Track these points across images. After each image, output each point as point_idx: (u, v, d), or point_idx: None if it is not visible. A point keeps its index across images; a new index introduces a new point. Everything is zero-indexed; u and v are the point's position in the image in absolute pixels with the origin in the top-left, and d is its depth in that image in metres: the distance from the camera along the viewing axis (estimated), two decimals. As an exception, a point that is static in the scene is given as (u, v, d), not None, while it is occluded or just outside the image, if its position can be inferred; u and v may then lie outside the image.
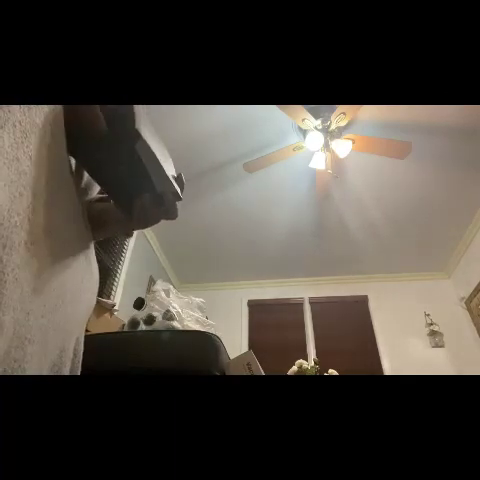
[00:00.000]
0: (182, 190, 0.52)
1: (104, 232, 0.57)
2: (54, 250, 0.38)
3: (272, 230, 3.65)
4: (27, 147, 0.34)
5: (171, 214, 0.52)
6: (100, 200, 0.57)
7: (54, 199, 0.38)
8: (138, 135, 0.40)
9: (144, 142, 0.41)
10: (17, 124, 0.33)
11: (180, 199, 0.51)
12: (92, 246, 0.51)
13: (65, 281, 0.41)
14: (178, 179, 0.51)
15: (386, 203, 3.27)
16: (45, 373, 0.39)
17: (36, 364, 0.36)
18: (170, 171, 0.50)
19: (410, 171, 2.91)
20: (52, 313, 0.38)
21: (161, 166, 0.45)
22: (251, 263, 4.18)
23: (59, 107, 0.41)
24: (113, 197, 0.49)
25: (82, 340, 0.50)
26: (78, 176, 0.49)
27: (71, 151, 0.44)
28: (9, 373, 0.33)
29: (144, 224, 0.54)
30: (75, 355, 0.48)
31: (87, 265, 0.48)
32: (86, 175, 0.49)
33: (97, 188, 0.54)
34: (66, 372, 0.44)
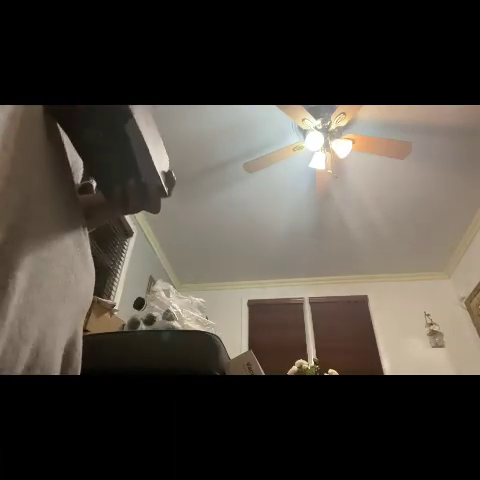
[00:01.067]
0: (171, 188, 0.52)
1: (90, 223, 0.56)
2: (37, 242, 0.38)
3: (272, 230, 3.65)
4: None
5: (153, 207, 0.52)
6: (82, 189, 0.57)
7: (35, 187, 0.38)
8: (130, 114, 0.40)
9: (135, 124, 0.41)
10: None
11: (165, 196, 0.51)
12: (85, 237, 0.51)
13: (50, 273, 0.40)
14: (168, 175, 0.51)
15: (386, 203, 3.27)
16: (25, 368, 0.38)
17: (12, 358, 0.35)
18: (162, 165, 0.49)
19: (410, 171, 2.91)
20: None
21: (149, 155, 0.44)
22: (251, 263, 4.18)
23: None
24: (96, 178, 0.49)
25: (80, 333, 0.50)
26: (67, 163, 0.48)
27: (63, 126, 0.43)
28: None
29: (124, 210, 0.53)
30: (73, 348, 0.48)
31: (80, 256, 0.47)
32: (72, 161, 0.49)
33: (80, 174, 0.54)
34: (57, 369, 0.43)
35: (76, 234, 0.47)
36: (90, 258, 0.52)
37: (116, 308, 2.38)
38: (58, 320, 0.43)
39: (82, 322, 0.51)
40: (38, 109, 0.40)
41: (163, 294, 1.42)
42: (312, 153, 2.53)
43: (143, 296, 1.55)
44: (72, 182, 0.48)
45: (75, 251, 0.46)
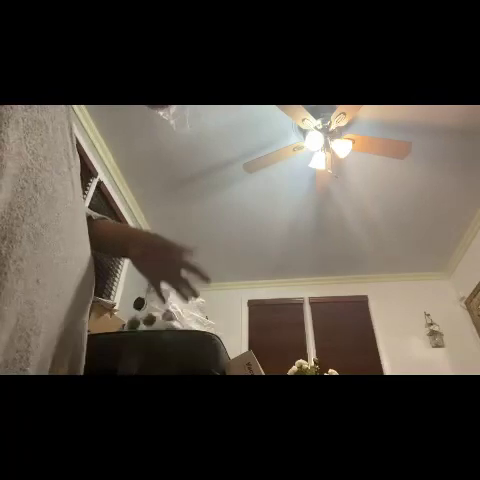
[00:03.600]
0: None
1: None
2: (55, 241, 0.39)
3: (272, 230, 3.65)
4: (29, 142, 0.35)
5: None
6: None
7: (56, 192, 0.39)
8: None
9: None
10: (20, 120, 0.34)
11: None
12: (87, 235, 0.52)
13: (66, 272, 0.41)
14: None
15: (386, 203, 3.27)
16: (49, 364, 0.40)
17: (41, 354, 0.37)
18: None
19: (410, 171, 2.91)
20: (54, 303, 0.39)
21: None
22: (251, 263, 4.17)
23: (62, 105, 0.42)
24: None
25: (84, 333, 0.51)
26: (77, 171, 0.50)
27: None
28: (10, 364, 0.33)
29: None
30: (76, 347, 0.48)
31: (84, 254, 0.49)
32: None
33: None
34: (63, 364, 0.44)
35: (84, 237, 0.48)
36: (89, 254, 0.52)
37: (116, 308, 2.38)
38: (69, 320, 0.43)
39: (85, 318, 0.51)
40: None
41: (163, 294, 1.42)
42: (312, 153, 2.53)
43: (143, 296, 1.55)
44: (75, 185, 0.49)
45: (83, 254, 0.47)
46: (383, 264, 4.10)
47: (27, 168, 0.34)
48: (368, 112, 2.45)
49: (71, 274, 0.43)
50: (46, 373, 0.39)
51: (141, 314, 1.35)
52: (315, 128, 2.41)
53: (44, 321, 0.37)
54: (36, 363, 0.35)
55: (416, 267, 4.13)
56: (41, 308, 0.36)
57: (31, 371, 0.35)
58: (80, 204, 0.49)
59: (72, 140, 0.47)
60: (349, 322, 4.04)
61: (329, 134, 2.43)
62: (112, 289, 3.00)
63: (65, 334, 0.43)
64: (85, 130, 2.51)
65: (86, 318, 0.51)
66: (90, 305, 0.52)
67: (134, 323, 1.31)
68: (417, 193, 3.14)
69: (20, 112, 0.35)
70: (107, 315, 2.15)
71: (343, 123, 2.36)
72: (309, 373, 2.68)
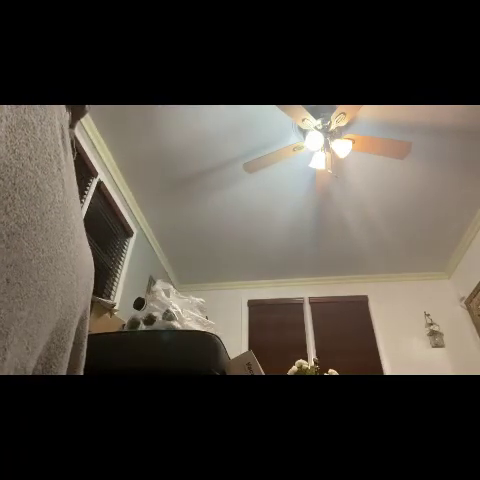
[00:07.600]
0: None
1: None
2: (36, 241, 0.37)
3: (272, 230, 3.65)
4: (11, 141, 0.34)
5: None
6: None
7: (40, 192, 0.38)
8: None
9: None
10: (4, 119, 0.34)
11: None
12: (83, 232, 0.51)
13: (51, 272, 0.40)
14: None
15: (386, 203, 3.27)
16: (31, 366, 0.38)
17: (15, 357, 0.35)
18: None
19: (410, 171, 2.91)
20: (34, 304, 0.37)
21: None
22: (251, 263, 4.18)
23: (54, 106, 0.42)
24: None
25: (84, 331, 0.50)
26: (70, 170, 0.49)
27: None
28: None
29: None
30: (75, 345, 0.48)
31: (78, 252, 0.47)
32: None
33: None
34: (59, 365, 0.43)
35: (75, 235, 0.47)
36: (88, 252, 0.52)
37: (116, 308, 2.38)
38: (59, 322, 0.42)
39: (84, 318, 0.50)
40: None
41: (163, 294, 1.42)
42: (312, 153, 2.53)
43: (143, 296, 1.55)
44: (66, 185, 0.48)
45: (75, 252, 0.46)
46: (383, 264, 4.10)
47: (4, 166, 0.33)
48: (368, 112, 2.45)
49: (60, 274, 0.42)
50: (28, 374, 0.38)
51: (141, 314, 1.35)
52: (315, 128, 2.41)
53: (15, 322, 0.35)
54: (5, 365, 0.33)
55: (416, 267, 4.13)
56: (11, 309, 0.34)
57: None
58: (73, 204, 0.48)
59: (64, 141, 0.47)
60: (349, 322, 4.04)
61: (329, 134, 2.43)
62: (112, 289, 3.00)
63: (57, 334, 0.43)
64: (85, 130, 2.51)
65: (86, 316, 0.51)
66: (90, 303, 0.52)
67: (134, 323, 1.31)
68: (417, 193, 3.14)
69: (4, 111, 0.34)
70: (107, 315, 2.14)
71: (343, 123, 2.36)
72: (309, 373, 2.68)
